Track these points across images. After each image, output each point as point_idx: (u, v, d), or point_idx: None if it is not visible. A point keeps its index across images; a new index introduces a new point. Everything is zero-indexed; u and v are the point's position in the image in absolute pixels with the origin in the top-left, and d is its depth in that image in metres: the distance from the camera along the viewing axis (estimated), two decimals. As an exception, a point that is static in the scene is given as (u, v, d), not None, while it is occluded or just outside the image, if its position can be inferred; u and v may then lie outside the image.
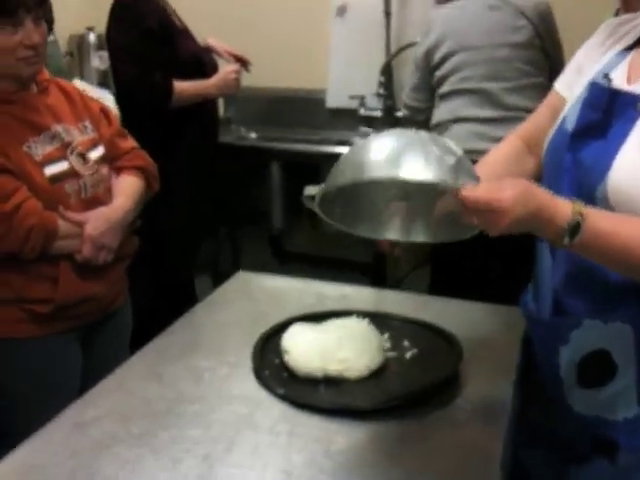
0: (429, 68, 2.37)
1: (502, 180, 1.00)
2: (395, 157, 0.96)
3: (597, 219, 0.99)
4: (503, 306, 1.54)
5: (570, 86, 1.24)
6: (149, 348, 1.40)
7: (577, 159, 1.11)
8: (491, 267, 2.19)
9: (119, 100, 2.61)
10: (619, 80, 1.12)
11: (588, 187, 1.08)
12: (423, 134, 1.02)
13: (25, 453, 1.08)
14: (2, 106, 1.57)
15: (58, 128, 1.63)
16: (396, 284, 3.00)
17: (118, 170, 1.78)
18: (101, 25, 3.21)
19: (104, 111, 1.82)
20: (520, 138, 1.35)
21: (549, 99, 1.33)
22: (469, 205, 0.95)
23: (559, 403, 1.20)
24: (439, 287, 2.34)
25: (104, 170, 1.72)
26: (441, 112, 2.35)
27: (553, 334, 1.17)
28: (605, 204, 1.05)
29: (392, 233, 1.16)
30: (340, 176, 1.01)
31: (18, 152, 1.55)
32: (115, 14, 2.48)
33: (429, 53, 2.35)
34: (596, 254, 1.03)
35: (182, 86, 2.44)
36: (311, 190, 1.07)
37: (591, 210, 1.00)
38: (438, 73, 2.35)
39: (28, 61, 1.57)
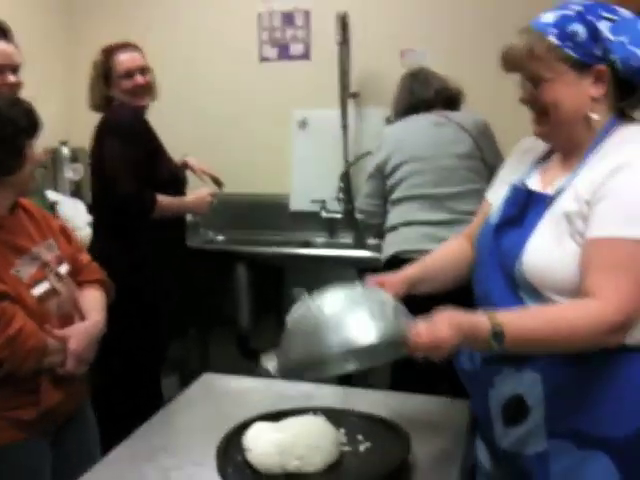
0: (382, 177, 2.57)
1: (430, 321, 1.23)
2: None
3: (510, 322, 1.22)
4: (453, 399, 1.66)
5: (497, 195, 1.50)
6: (119, 449, 1.48)
7: (499, 245, 1.38)
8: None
9: (95, 207, 2.76)
10: (534, 186, 1.40)
11: (509, 266, 1.33)
12: (356, 295, 1.30)
13: None
14: None
15: (34, 249, 1.68)
16: (362, 377, 3.06)
17: (79, 284, 1.83)
18: (74, 139, 3.41)
19: (62, 229, 1.87)
20: (464, 237, 1.63)
21: (483, 206, 1.59)
22: (419, 348, 1.21)
23: (492, 445, 1.41)
24: (400, 379, 2.44)
25: (73, 286, 1.78)
26: (393, 216, 2.53)
27: (483, 380, 1.39)
28: (522, 279, 1.31)
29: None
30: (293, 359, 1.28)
31: (10, 276, 1.59)
32: (119, 130, 2.58)
33: (381, 165, 2.56)
34: (521, 348, 1.26)
35: (164, 201, 2.62)
36: (267, 362, 1.29)
37: (502, 315, 1.22)
38: (390, 181, 2.54)
39: None
